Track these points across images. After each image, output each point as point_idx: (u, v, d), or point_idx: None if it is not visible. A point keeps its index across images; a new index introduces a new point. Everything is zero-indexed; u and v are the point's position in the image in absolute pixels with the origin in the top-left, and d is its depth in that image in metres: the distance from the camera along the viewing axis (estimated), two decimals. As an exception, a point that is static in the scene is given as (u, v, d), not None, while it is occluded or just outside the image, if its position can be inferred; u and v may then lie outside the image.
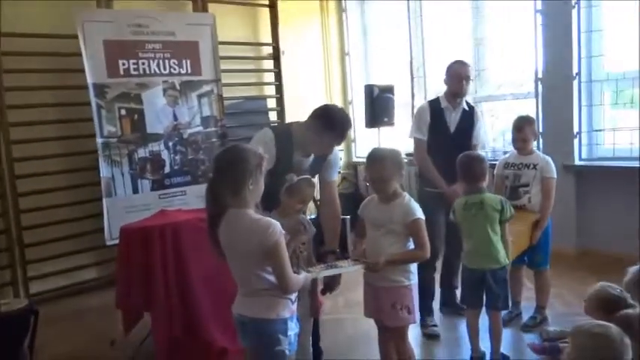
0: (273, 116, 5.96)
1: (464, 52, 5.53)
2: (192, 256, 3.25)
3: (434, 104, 3.49)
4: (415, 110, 3.65)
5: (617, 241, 4.51)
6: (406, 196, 2.53)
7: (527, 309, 3.61)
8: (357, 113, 6.40)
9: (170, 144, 4.70)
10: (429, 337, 3.35)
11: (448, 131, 3.45)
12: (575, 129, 4.75)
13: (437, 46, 5.73)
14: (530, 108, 4.93)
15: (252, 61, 5.88)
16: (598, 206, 4.68)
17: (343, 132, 2.55)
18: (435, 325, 3.39)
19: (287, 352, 2.03)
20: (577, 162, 4.75)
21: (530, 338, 3.30)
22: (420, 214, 2.47)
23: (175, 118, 4.72)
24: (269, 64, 5.91)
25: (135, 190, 4.55)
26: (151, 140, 4.61)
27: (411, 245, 2.53)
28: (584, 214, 4.74)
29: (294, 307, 2.08)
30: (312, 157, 2.68)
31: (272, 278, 1.99)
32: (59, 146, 4.55)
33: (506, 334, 3.13)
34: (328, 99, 6.59)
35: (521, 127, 3.37)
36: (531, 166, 3.37)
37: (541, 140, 4.89)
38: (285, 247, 1.96)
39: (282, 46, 5.86)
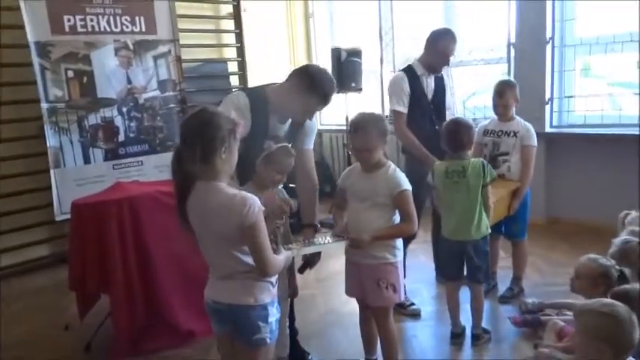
0: (234, 81, 5.64)
1: (434, 16, 5.35)
2: (153, 232, 3.00)
3: (409, 72, 3.27)
4: (390, 79, 3.39)
5: (588, 208, 4.52)
6: (391, 165, 2.33)
7: (502, 279, 3.55)
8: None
9: (124, 110, 4.34)
10: (411, 316, 3.22)
11: (426, 99, 3.27)
12: (547, 95, 4.66)
13: (406, 10, 5.50)
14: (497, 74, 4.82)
15: (212, 21, 5.50)
16: (568, 174, 4.65)
17: (327, 95, 2.30)
18: (413, 304, 3.27)
19: (268, 340, 1.83)
20: (548, 129, 4.68)
21: (508, 310, 3.23)
22: (406, 185, 2.29)
23: (129, 81, 4.36)
24: (229, 24, 5.55)
25: (86, 161, 4.21)
26: (103, 105, 4.25)
27: (397, 218, 2.34)
28: (554, 182, 4.70)
29: (275, 290, 1.87)
30: (288, 123, 2.43)
31: (249, 260, 1.77)
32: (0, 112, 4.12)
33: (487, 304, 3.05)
34: (292, 63, 6.31)
35: (503, 91, 3.22)
36: (511, 133, 3.24)
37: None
38: (264, 226, 1.74)
39: (243, 5, 5.50)
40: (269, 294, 1.83)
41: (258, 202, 1.72)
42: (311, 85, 2.25)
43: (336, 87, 2.36)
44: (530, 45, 4.67)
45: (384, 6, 5.56)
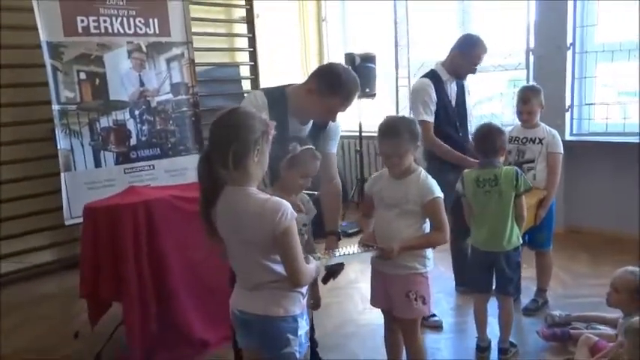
0: (246, 85, 5.56)
1: (450, 21, 5.27)
2: (168, 238, 2.90)
3: (434, 78, 3.18)
4: (415, 86, 3.27)
5: (608, 218, 4.42)
6: (422, 171, 2.23)
7: (524, 291, 3.43)
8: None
9: (136, 113, 4.25)
10: (432, 328, 3.11)
11: (450, 106, 3.18)
12: (568, 102, 4.56)
13: (421, 14, 5.42)
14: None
15: (225, 25, 5.43)
16: (588, 183, 4.54)
17: (350, 95, 2.21)
18: (434, 315, 3.15)
19: (297, 354, 1.73)
20: (568, 137, 4.58)
21: (532, 323, 3.12)
22: (438, 192, 2.18)
23: (142, 83, 4.27)
24: (242, 28, 5.48)
25: (97, 164, 4.11)
26: (115, 108, 4.16)
27: (426, 227, 2.24)
28: (574, 191, 4.59)
29: (304, 301, 1.77)
30: (309, 125, 2.34)
31: (280, 269, 1.68)
32: (10, 114, 4.04)
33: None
34: (304, 67, 6.24)
35: (528, 98, 3.12)
36: (537, 140, 3.14)
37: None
38: (297, 234, 1.64)
39: (256, 9, 5.43)
40: (299, 305, 1.74)
41: (291, 207, 1.63)
42: (334, 84, 2.16)
43: (359, 87, 2.26)
44: (550, 51, 4.58)
45: (400, 10, 5.48)
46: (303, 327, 1.75)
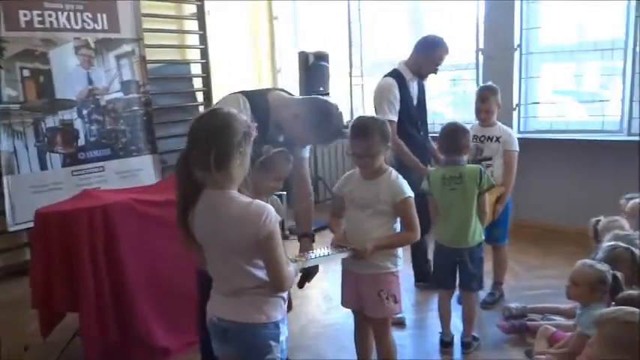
0: (197, 83, 5.43)
1: (402, 20, 5.36)
2: (128, 243, 2.80)
3: (398, 78, 3.22)
4: (379, 85, 3.29)
5: (554, 211, 4.62)
6: (393, 171, 2.25)
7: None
8: (287, 82, 6.04)
9: (85, 112, 4.07)
10: (395, 325, 3.14)
11: (412, 105, 3.23)
12: (515, 101, 4.74)
13: (374, 14, 5.47)
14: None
15: (176, 22, 5.28)
16: (535, 178, 4.72)
17: (332, 140, 2.26)
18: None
19: (279, 360, 1.70)
20: (515, 134, 4.73)
21: (490, 316, 3.20)
22: (409, 192, 2.21)
23: (90, 81, 4.09)
24: (193, 25, 5.35)
25: (43, 167, 3.91)
26: (62, 107, 3.96)
27: (397, 226, 2.27)
28: (522, 186, 4.75)
29: (285, 306, 1.74)
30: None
31: (261, 274, 1.64)
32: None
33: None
34: (256, 67, 6.18)
35: (486, 97, 3.22)
36: (494, 138, 3.24)
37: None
38: (280, 237, 1.61)
39: (207, 6, 5.31)
40: (281, 311, 1.71)
41: (274, 211, 1.60)
42: (322, 125, 2.16)
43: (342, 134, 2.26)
44: (499, 51, 4.74)
45: (353, 9, 5.51)
46: (284, 332, 1.72)
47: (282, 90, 2.43)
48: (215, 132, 1.56)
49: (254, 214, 1.56)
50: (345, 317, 3.29)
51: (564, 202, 4.58)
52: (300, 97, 2.28)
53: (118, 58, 4.24)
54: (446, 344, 2.83)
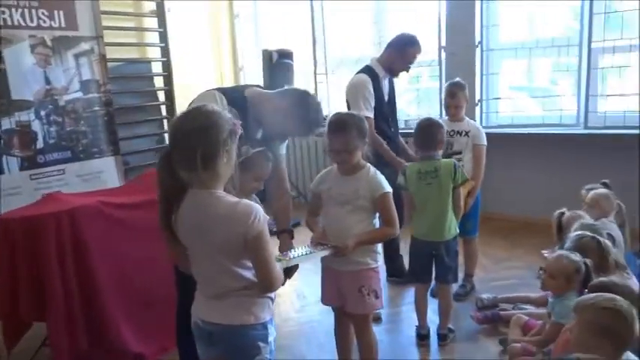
0: (159, 82, 5.31)
1: (366, 19, 5.39)
2: (97, 248, 2.71)
3: (371, 74, 3.24)
4: (353, 82, 3.31)
5: (518, 204, 4.74)
6: (370, 167, 2.26)
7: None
8: (250, 80, 5.97)
9: (43, 113, 3.90)
10: (372, 320, 3.16)
11: (384, 102, 3.25)
12: (477, 97, 4.84)
13: (337, 11, 5.47)
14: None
15: (135, 19, 5.14)
16: (498, 172, 4.83)
17: (313, 130, 2.21)
18: None
19: (268, 362, 1.68)
20: (480, 129, 4.85)
21: (463, 307, 3.26)
22: (388, 187, 2.22)
23: (48, 81, 3.92)
24: (153, 22, 5.22)
25: (-1, 170, 3.73)
26: (18, 108, 3.79)
27: (376, 222, 2.27)
28: (486, 180, 4.87)
29: (273, 307, 1.72)
30: (260, 130, 2.28)
31: (248, 274, 1.61)
32: None
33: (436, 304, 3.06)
34: (218, 65, 6.09)
35: (455, 93, 3.27)
36: (463, 133, 3.30)
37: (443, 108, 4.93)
38: (269, 237, 1.59)
39: (167, 4, 5.20)
40: (269, 311, 1.68)
41: (262, 210, 1.57)
42: (304, 116, 2.13)
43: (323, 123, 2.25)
44: (460, 48, 4.83)
45: (316, 7, 5.50)
46: (273, 333, 1.69)
47: (258, 86, 2.40)
48: (200, 130, 1.52)
49: (242, 213, 1.53)
50: (320, 314, 3.29)
51: (527, 195, 4.72)
52: (277, 90, 2.24)
53: (77, 56, 4.08)
54: (422, 337, 2.87)
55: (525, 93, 4.97)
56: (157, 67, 5.31)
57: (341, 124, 2.17)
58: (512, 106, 4.92)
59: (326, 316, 3.22)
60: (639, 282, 2.57)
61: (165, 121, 5.28)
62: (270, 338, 1.67)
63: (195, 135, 1.51)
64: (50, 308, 2.56)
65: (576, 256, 2.44)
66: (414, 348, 2.88)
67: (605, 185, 3.52)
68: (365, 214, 2.22)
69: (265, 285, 1.60)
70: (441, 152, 2.71)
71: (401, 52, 3.25)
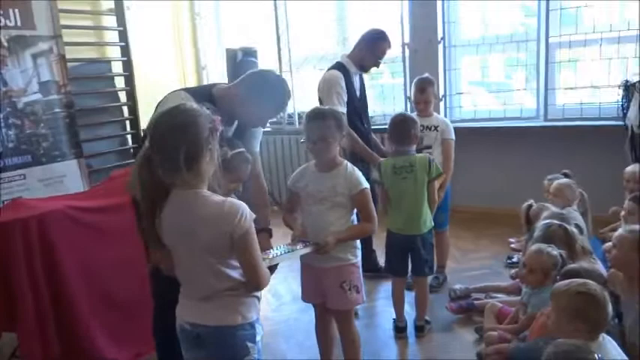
0: (120, 82, 5.17)
1: (329, 17, 5.41)
2: (67, 254, 2.63)
3: (342, 70, 3.25)
4: (325, 78, 3.30)
5: (482, 196, 4.86)
6: (348, 163, 2.27)
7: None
8: (213, 80, 5.91)
9: (0, 116, 3.74)
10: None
11: (356, 98, 3.28)
12: (441, 92, 4.93)
13: (300, 9, 5.47)
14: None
15: (94, 18, 5.00)
16: (462, 165, 4.94)
17: (284, 103, 2.20)
18: None
19: (256, 361, 1.67)
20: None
21: (437, 298, 3.31)
22: (365, 183, 2.24)
23: (5, 83, 3.76)
24: (112, 21, 5.08)
25: (-45, 177, 3.56)
26: (-27, 112, 3.62)
27: (354, 218, 2.29)
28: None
29: (260, 306, 1.71)
30: (234, 125, 2.26)
31: (235, 274, 1.60)
32: None
33: (412, 296, 3.09)
34: (180, 64, 5.99)
35: (424, 88, 3.33)
36: (432, 128, 3.36)
37: (409, 104, 5.02)
38: (256, 236, 1.58)
39: (126, 2, 5.06)
40: (256, 310, 1.67)
41: (248, 209, 1.56)
42: (267, 93, 2.11)
43: (290, 95, 2.24)
44: (423, 45, 4.91)
45: (279, 5, 5.48)
46: (260, 332, 1.68)
47: (224, 84, 2.37)
48: (182, 130, 1.50)
49: (229, 212, 1.51)
50: (297, 312, 3.30)
51: (491, 187, 4.84)
52: (238, 79, 2.22)
53: (35, 56, 3.93)
54: (400, 330, 2.91)
55: (486, 88, 5.09)
56: (117, 67, 5.17)
57: (319, 114, 2.20)
58: (475, 100, 5.03)
59: (303, 314, 3.24)
60: (604, 266, 2.68)
61: (127, 123, 5.16)
62: (258, 337, 1.67)
63: (177, 135, 1.49)
64: (20, 317, 2.47)
65: (554, 250, 2.51)
66: (393, 341, 2.92)
67: (566, 175, 3.66)
68: (343, 211, 2.24)
69: (253, 284, 1.59)
70: (414, 147, 2.75)
71: (371, 48, 3.28)
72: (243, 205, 1.55)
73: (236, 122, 2.25)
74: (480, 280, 3.48)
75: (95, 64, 5.01)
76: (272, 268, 2.19)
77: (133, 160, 4.92)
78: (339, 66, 3.28)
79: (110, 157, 4.87)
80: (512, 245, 4.06)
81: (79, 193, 3.27)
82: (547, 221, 2.83)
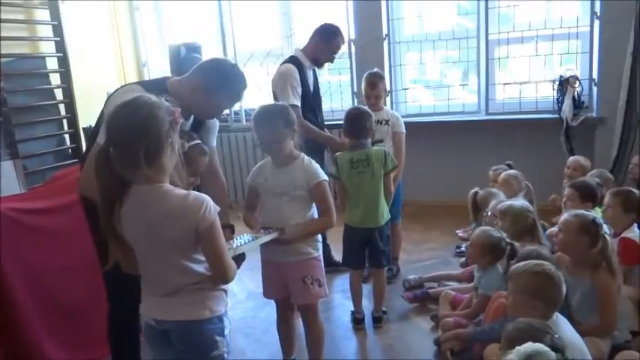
0: (55, 79, 4.91)
1: (274, 12, 5.37)
2: (10, 259, 2.47)
3: (296, 64, 3.24)
4: (280, 71, 3.27)
5: (429, 190, 4.97)
6: (305, 156, 2.26)
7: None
8: (155, 76, 5.71)
9: None
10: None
11: (310, 92, 3.27)
12: (387, 87, 5.00)
13: (244, 4, 5.41)
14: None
15: (25, 11, 4.72)
16: (410, 159, 5.05)
17: (238, 93, 2.14)
18: None
19: (225, 355, 1.64)
20: (389, 119, 5.03)
21: (392, 289, 3.34)
22: (323, 176, 2.24)
23: None
24: (44, 14, 4.82)
25: None
26: None
27: (315, 213, 2.29)
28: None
29: (227, 299, 1.68)
30: (190, 120, 2.20)
31: (201, 269, 1.56)
32: None
33: (368, 290, 3.14)
34: (119, 61, 5.77)
35: (375, 83, 3.36)
36: (383, 122, 3.40)
37: (356, 99, 5.08)
38: (221, 228, 1.54)
39: (59, -5, 4.82)
40: (223, 304, 1.64)
41: (212, 201, 1.52)
42: (221, 82, 2.06)
43: (247, 84, 2.20)
44: (369, 41, 4.98)
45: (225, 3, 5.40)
46: (228, 326, 1.66)
47: (177, 77, 2.31)
48: (140, 125, 1.44)
49: (193, 205, 1.48)
50: (252, 310, 3.27)
51: (438, 180, 4.96)
52: (190, 70, 2.16)
53: (-39, 52, 3.68)
54: (359, 321, 2.94)
55: (429, 83, 5.22)
56: (52, 64, 4.91)
57: (265, 115, 2.18)
58: (418, 96, 5.15)
59: (259, 311, 3.22)
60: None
61: (65, 121, 4.92)
62: (226, 331, 1.64)
63: (136, 130, 1.44)
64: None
65: (496, 233, 2.62)
66: (352, 333, 2.95)
67: (509, 166, 3.83)
68: (302, 204, 2.23)
69: (220, 277, 1.57)
70: (370, 140, 2.78)
71: (326, 43, 3.28)
72: (207, 198, 1.51)
73: (192, 117, 2.20)
74: (431, 270, 3.57)
75: (28, 59, 4.73)
76: (239, 260, 2.17)
77: (72, 161, 4.72)
78: (293, 60, 3.27)
79: (47, 158, 4.61)
80: (460, 235, 4.19)
81: (18, 195, 3.09)
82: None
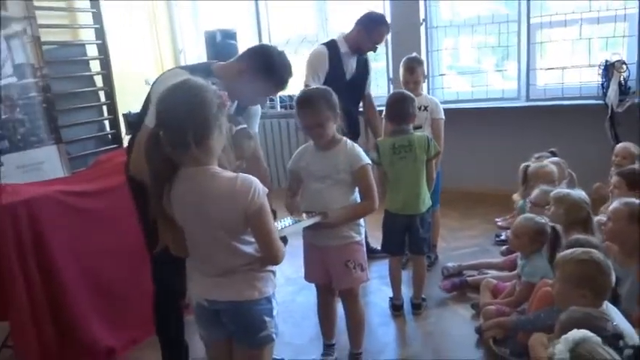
0: (95, 66, 5.01)
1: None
2: (59, 240, 2.56)
3: (332, 48, 3.20)
4: (311, 52, 3.27)
5: (468, 177, 4.90)
6: (347, 140, 2.24)
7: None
8: (191, 63, 5.76)
9: (-26, 101, 3.59)
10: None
11: (342, 79, 3.22)
12: (425, 73, 4.92)
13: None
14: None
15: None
16: (448, 146, 4.97)
17: (284, 80, 2.13)
18: None
19: (274, 335, 1.65)
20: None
21: (431, 276, 3.29)
22: (366, 159, 2.22)
23: (-23, 65, 3.61)
24: (86, 3, 4.90)
25: None
26: (-54, 96, 3.46)
27: (357, 197, 2.27)
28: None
29: (275, 280, 1.69)
30: (234, 105, 2.21)
31: (250, 250, 1.58)
32: None
33: (406, 276, 3.12)
34: (156, 48, 5.84)
35: (414, 68, 3.31)
36: (422, 108, 3.34)
37: (391, 85, 5.02)
38: (269, 210, 1.55)
39: (99, -18, 4.89)
40: (272, 285, 1.65)
41: (261, 184, 1.53)
42: (268, 69, 2.06)
43: (292, 72, 2.19)
44: (405, 27, 4.90)
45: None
46: (276, 307, 1.67)
47: (222, 62, 2.32)
48: (190, 108, 1.45)
49: (242, 188, 1.48)
50: (291, 294, 3.28)
51: (477, 167, 4.89)
52: (238, 55, 2.17)
53: (8, 38, 3.76)
54: (397, 307, 2.92)
55: (464, 69, 5.12)
56: (92, 51, 5.00)
57: (307, 99, 2.16)
58: (452, 82, 5.05)
59: (297, 296, 3.24)
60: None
61: (105, 108, 5.01)
62: (275, 312, 1.66)
63: (185, 113, 1.44)
64: (12, 307, 2.39)
65: (541, 219, 2.56)
66: (390, 319, 2.93)
67: (553, 153, 3.73)
68: (345, 188, 2.21)
69: (269, 258, 1.58)
70: (412, 126, 2.74)
71: (369, 32, 3.22)
72: (256, 180, 1.52)
73: (235, 102, 2.20)
74: (470, 258, 3.53)
75: (70, 47, 4.83)
76: (283, 242, 2.18)
77: (112, 146, 4.82)
78: (329, 43, 3.25)
79: (88, 143, 4.72)
80: (500, 223, 4.12)
81: (63, 178, 3.17)
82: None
